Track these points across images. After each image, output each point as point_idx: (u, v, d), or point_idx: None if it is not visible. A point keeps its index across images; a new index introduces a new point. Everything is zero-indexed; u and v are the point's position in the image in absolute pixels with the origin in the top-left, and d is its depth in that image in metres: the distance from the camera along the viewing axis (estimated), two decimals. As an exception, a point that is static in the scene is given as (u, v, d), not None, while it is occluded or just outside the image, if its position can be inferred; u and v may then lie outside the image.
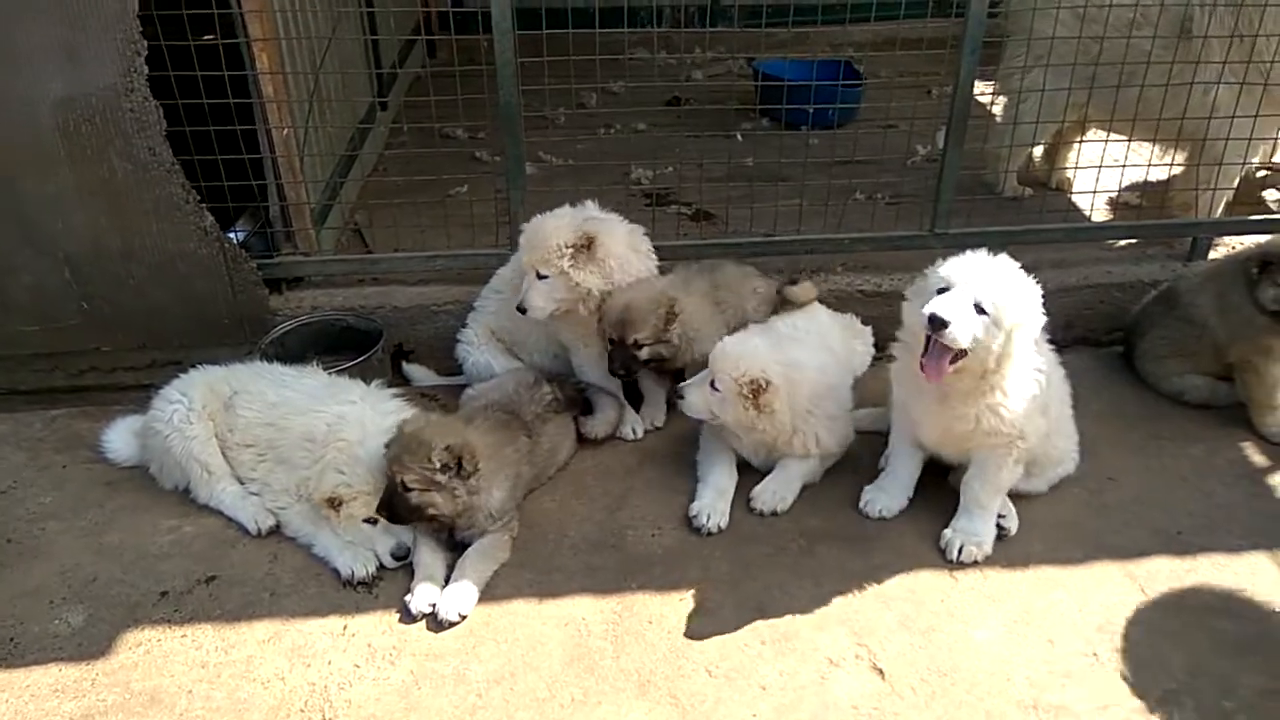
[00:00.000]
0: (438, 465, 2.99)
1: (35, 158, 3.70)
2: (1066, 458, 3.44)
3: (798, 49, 7.44)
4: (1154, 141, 4.59)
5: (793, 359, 3.42)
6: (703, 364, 3.46)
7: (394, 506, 3.04)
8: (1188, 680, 2.76)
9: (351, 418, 3.30)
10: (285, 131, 3.94)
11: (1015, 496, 3.32)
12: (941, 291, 2.91)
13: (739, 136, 5.73)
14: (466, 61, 4.06)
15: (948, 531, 3.22)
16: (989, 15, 3.90)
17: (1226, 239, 4.52)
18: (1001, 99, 5.01)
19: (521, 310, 3.64)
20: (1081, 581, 3.09)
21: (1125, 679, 2.77)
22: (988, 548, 3.17)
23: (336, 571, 3.15)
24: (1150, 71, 4.15)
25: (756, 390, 3.28)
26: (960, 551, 3.16)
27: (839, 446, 3.52)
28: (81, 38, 3.51)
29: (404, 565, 3.18)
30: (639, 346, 3.60)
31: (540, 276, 3.60)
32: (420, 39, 7.00)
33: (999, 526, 3.24)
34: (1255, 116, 4.12)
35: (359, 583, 3.12)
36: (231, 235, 4.02)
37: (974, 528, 3.19)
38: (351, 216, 4.91)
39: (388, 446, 3.09)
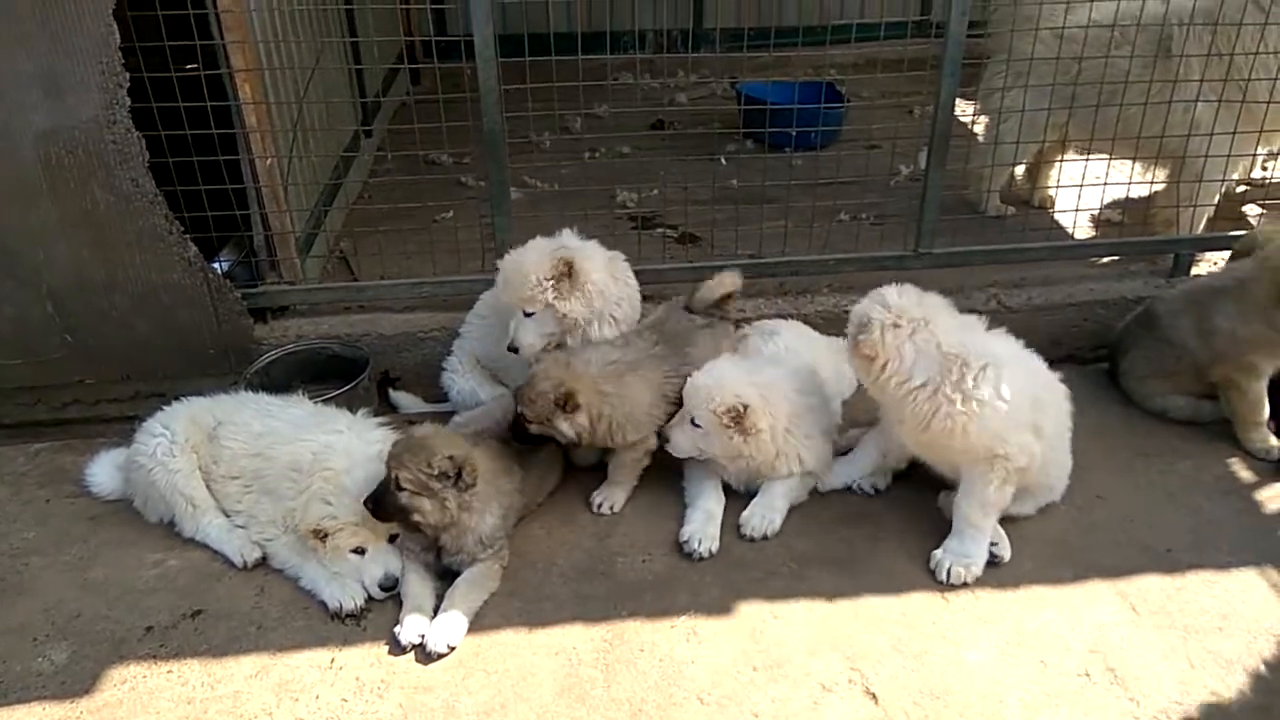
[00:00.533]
0: (436, 471, 2.99)
1: (16, 190, 3.68)
2: (1059, 485, 3.45)
3: (780, 72, 7.50)
4: (1134, 159, 4.64)
5: (766, 378, 3.43)
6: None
7: (382, 501, 3.02)
8: (1180, 699, 2.76)
9: (338, 447, 3.27)
10: (269, 161, 3.93)
11: (1004, 520, 3.31)
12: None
13: (723, 160, 5.75)
14: (451, 88, 4.06)
15: (938, 552, 3.21)
16: (968, 36, 3.93)
17: (1209, 255, 4.56)
18: (983, 118, 5.05)
19: (513, 350, 3.61)
20: (1072, 601, 3.09)
21: (1118, 699, 2.76)
22: (977, 570, 3.17)
23: (324, 604, 3.12)
24: (1130, 90, 4.19)
25: (736, 416, 3.29)
26: (949, 573, 3.15)
27: (820, 465, 3.51)
28: (64, 69, 3.50)
29: (392, 596, 3.14)
30: (527, 421, 3.36)
31: (527, 314, 3.58)
32: (404, 67, 7.04)
33: (991, 554, 3.23)
34: (1233, 133, 4.16)
35: (347, 615, 3.09)
36: (216, 265, 4.00)
37: (965, 549, 3.18)
38: (336, 244, 4.90)
39: (394, 445, 3.09)
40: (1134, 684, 2.80)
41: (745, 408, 3.29)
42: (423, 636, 2.98)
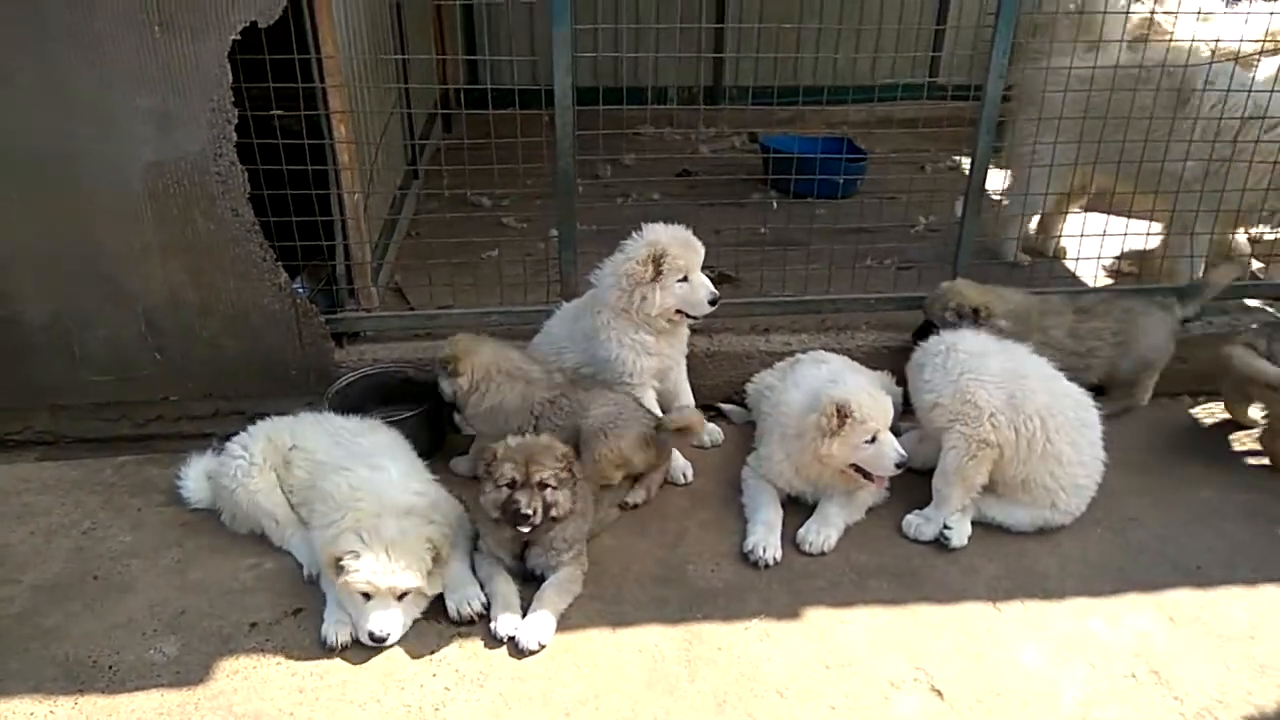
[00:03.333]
0: (565, 464, 3.29)
1: (122, 216, 3.94)
2: (1059, 503, 3.68)
3: (795, 127, 7.90)
4: (1153, 211, 5.00)
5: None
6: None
7: (530, 506, 3.24)
8: (1220, 698, 3.00)
9: (372, 487, 3.40)
10: (355, 196, 4.21)
11: (1000, 530, 3.70)
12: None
13: (773, 204, 6.12)
14: (480, 135, 4.34)
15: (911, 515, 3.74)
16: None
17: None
18: (1008, 171, 5.39)
19: (713, 303, 3.95)
20: (1114, 611, 3.35)
21: (1163, 697, 3.01)
22: (926, 533, 3.67)
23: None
24: (1151, 147, 4.56)
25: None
26: (904, 524, 3.72)
27: None
28: (177, 106, 3.78)
29: (377, 650, 3.16)
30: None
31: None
32: (440, 113, 7.38)
33: (943, 532, 3.63)
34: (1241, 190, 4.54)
35: (329, 647, 3.15)
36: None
37: (925, 514, 3.72)
38: (392, 276, 5.17)
39: (492, 460, 3.31)
40: (1177, 684, 3.05)
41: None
42: (516, 630, 3.19)
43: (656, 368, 4.10)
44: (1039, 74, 4.74)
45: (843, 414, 3.53)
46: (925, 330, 4.20)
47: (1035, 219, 5.55)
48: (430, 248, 4.89)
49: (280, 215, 4.06)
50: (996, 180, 5.58)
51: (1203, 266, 4.91)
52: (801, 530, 3.66)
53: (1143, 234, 5.04)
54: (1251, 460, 4.20)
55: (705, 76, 8.72)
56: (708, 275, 4.93)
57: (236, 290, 4.10)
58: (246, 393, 4.30)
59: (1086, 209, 5.27)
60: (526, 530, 3.29)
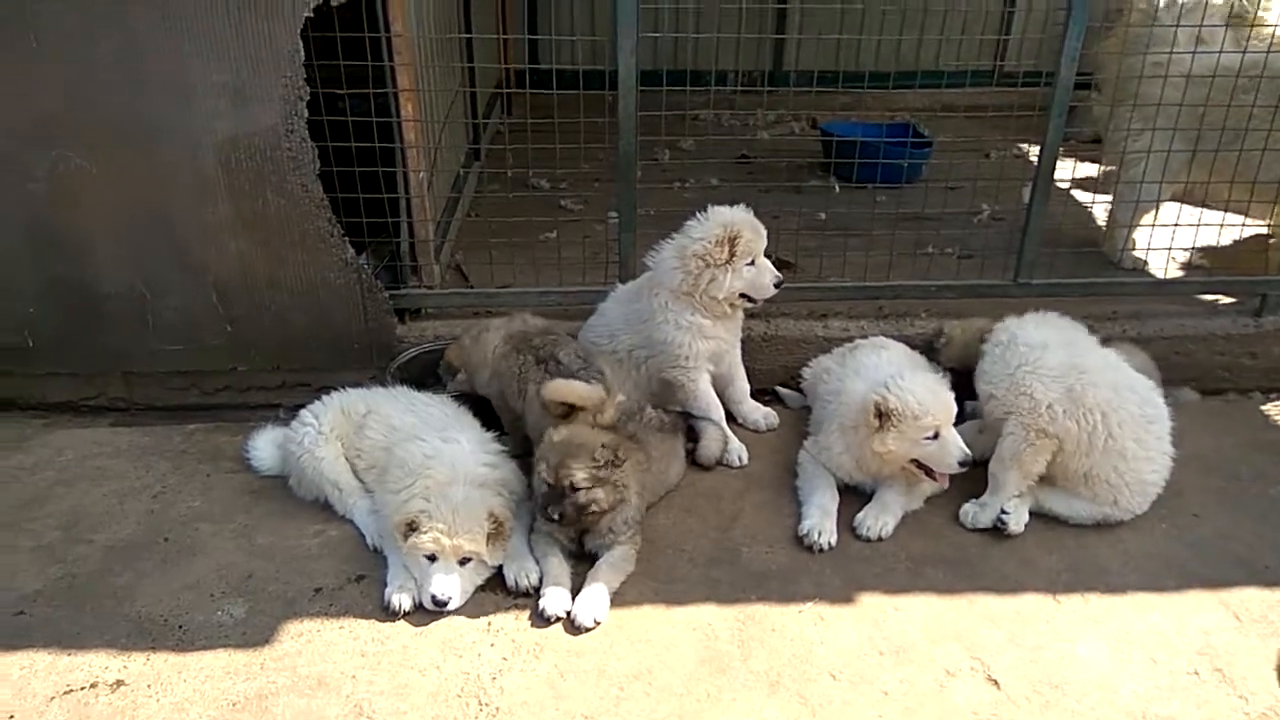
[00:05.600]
0: (601, 462, 3.30)
1: (196, 190, 4.04)
2: (1122, 500, 3.62)
3: (856, 113, 7.83)
4: (1249, 202, 4.84)
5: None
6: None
7: (563, 509, 3.29)
8: (1286, 698, 2.95)
9: (445, 457, 3.46)
10: (420, 174, 4.27)
11: (1059, 522, 3.67)
12: None
13: (834, 188, 6.10)
14: (540, 117, 4.35)
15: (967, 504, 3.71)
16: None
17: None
18: (1115, 167, 5.21)
19: (777, 286, 4.01)
20: (1177, 607, 3.29)
21: (1227, 695, 2.95)
22: (983, 520, 3.64)
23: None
24: (1256, 137, 4.45)
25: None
26: (960, 512, 3.69)
27: None
28: (251, 81, 3.86)
29: (436, 617, 3.24)
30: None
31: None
32: (503, 92, 7.43)
33: (1000, 518, 3.61)
34: None
35: (391, 612, 3.23)
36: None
37: (983, 500, 3.69)
38: (453, 255, 5.23)
39: (545, 457, 3.34)
40: (1241, 683, 2.99)
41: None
42: (568, 611, 3.23)
43: (713, 351, 4.10)
44: (1152, 68, 4.62)
45: (883, 413, 3.52)
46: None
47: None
48: (490, 227, 4.94)
49: (347, 192, 4.13)
50: (1067, 171, 5.48)
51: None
52: (859, 515, 3.65)
53: (1218, 225, 4.91)
54: (1324, 459, 4.08)
55: (766, 61, 8.67)
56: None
57: (304, 264, 4.19)
58: (312, 365, 4.40)
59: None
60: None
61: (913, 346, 4.34)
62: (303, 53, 3.85)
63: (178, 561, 3.50)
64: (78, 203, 4.04)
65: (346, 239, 4.17)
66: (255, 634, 3.18)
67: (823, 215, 5.60)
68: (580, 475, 3.28)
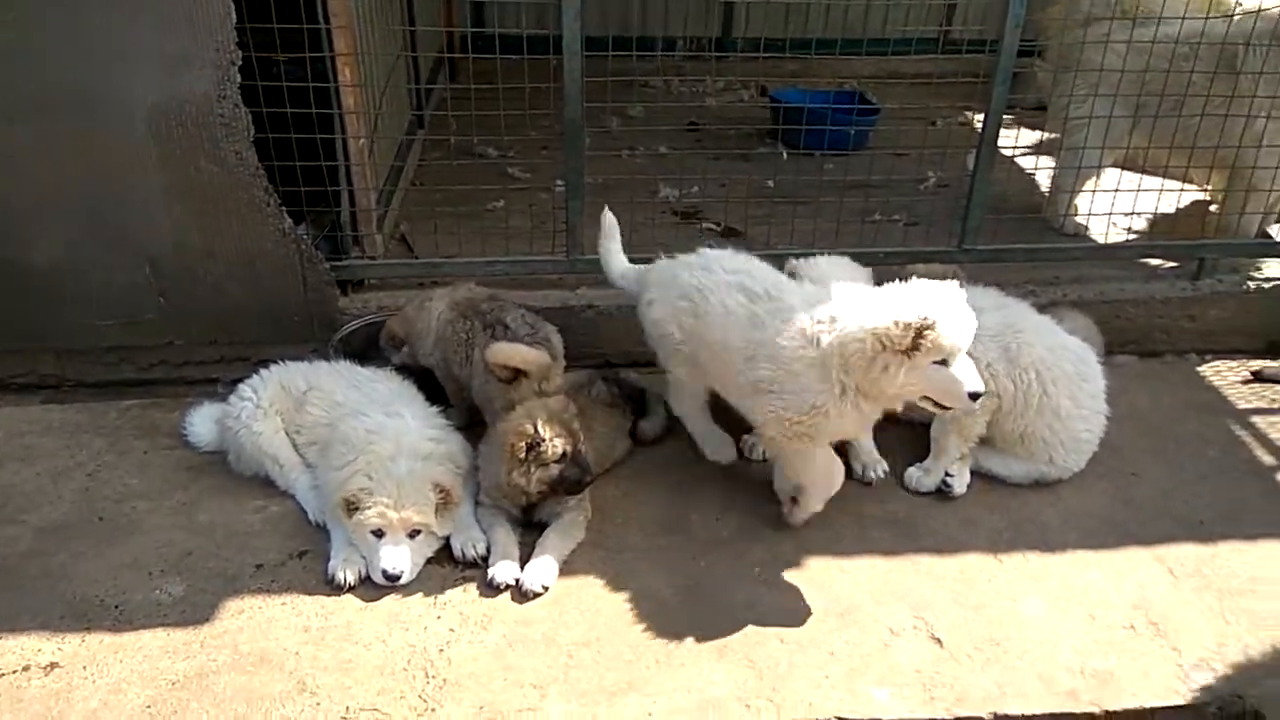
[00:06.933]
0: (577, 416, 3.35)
1: (126, 159, 3.89)
2: (1057, 458, 3.68)
3: (804, 80, 7.80)
4: (1187, 168, 4.94)
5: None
6: None
7: (584, 468, 3.32)
8: (1218, 650, 3.03)
9: (389, 432, 3.39)
10: (360, 141, 4.17)
11: (1000, 482, 3.73)
12: None
13: (782, 155, 6.07)
14: (486, 82, 4.25)
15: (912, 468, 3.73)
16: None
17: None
18: (1057, 135, 5.26)
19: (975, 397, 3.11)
20: (1115, 564, 3.36)
21: (1161, 648, 3.03)
22: (928, 484, 3.68)
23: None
24: (1196, 103, 4.51)
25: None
26: (903, 477, 3.73)
27: None
28: (182, 46, 3.72)
29: (382, 591, 3.19)
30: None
31: None
32: (448, 56, 7.27)
33: (944, 481, 3.66)
34: None
35: (337, 586, 3.19)
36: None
37: (925, 465, 3.72)
38: (397, 225, 5.14)
39: (539, 441, 3.27)
40: (1175, 636, 3.08)
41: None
42: (516, 579, 3.21)
43: (847, 433, 3.49)
44: (1091, 36, 4.65)
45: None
46: None
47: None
48: (435, 196, 4.85)
49: (284, 160, 4.02)
50: (1013, 138, 5.53)
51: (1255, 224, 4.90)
52: (910, 470, 3.74)
53: (1158, 191, 4.98)
54: (1258, 419, 4.18)
55: (715, 27, 8.59)
56: (714, 230, 4.89)
57: (240, 235, 4.07)
58: (250, 338, 4.30)
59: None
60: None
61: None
62: (234, 15, 3.72)
63: (113, 541, 3.41)
64: (2, 173, 3.88)
65: (284, 209, 4.06)
66: (195, 612, 3.11)
67: (771, 183, 5.59)
68: (582, 443, 3.31)
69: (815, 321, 3.14)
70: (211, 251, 4.10)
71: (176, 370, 4.39)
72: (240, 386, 3.78)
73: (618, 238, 3.97)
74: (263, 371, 3.81)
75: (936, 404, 3.12)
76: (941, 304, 3.00)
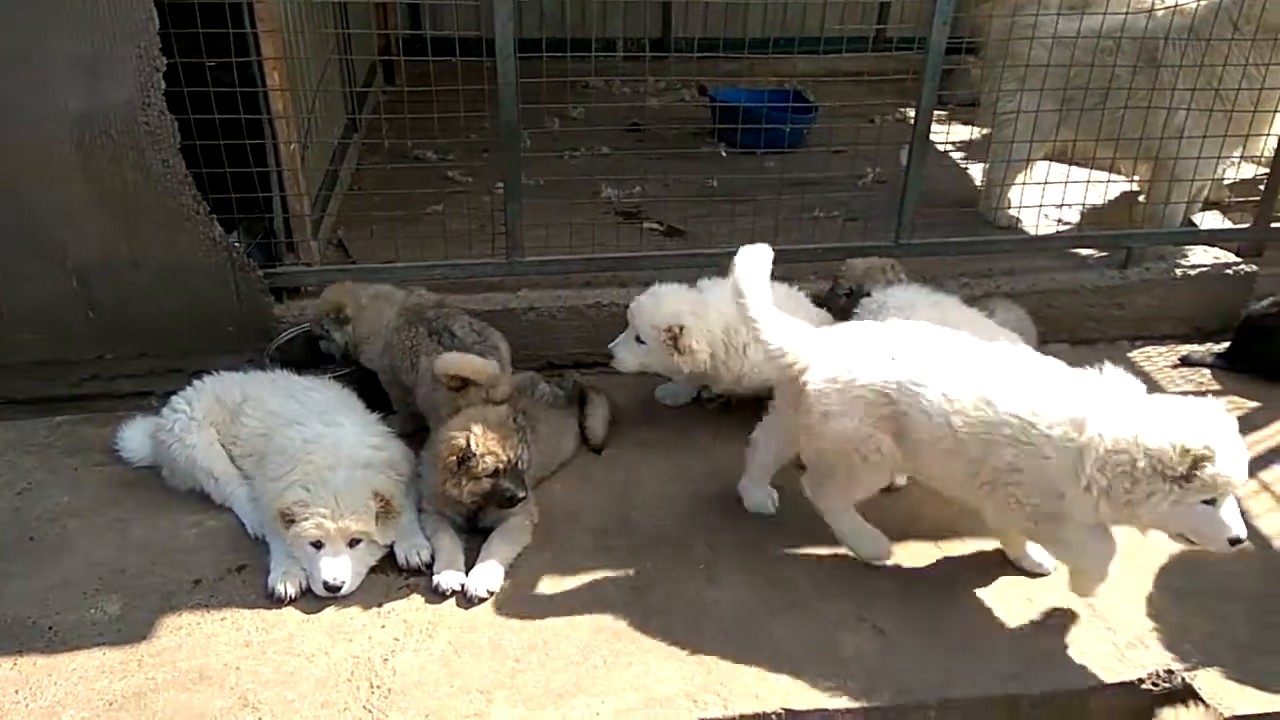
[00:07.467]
0: (518, 427, 3.34)
1: (49, 170, 3.80)
2: None
3: (746, 78, 7.86)
4: (1114, 159, 5.07)
5: (700, 300, 3.79)
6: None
7: (518, 483, 3.29)
8: (1149, 627, 3.11)
9: (327, 442, 3.34)
10: (291, 146, 4.11)
11: None
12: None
13: (722, 153, 6.09)
14: (423, 85, 4.22)
15: None
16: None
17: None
18: (989, 129, 5.37)
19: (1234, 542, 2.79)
20: (1052, 549, 3.43)
21: (1097, 628, 3.11)
22: None
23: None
24: (1120, 96, 4.62)
25: (674, 336, 3.63)
26: None
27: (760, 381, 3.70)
28: (104, 53, 3.64)
29: (324, 603, 3.15)
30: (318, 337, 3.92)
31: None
32: (386, 59, 7.18)
33: None
34: (1220, 137, 4.61)
35: (275, 598, 3.14)
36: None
37: None
38: (334, 231, 5.07)
39: (469, 455, 3.23)
40: (1110, 615, 3.15)
41: (681, 329, 3.64)
42: (462, 585, 3.19)
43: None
44: (1020, 29, 4.75)
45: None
46: None
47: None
48: (373, 200, 4.80)
49: (214, 167, 3.95)
50: (949, 134, 5.63)
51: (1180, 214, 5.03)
52: None
53: (1085, 183, 5.10)
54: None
55: (653, 28, 8.61)
56: (657, 230, 4.90)
57: (170, 244, 3.99)
58: (184, 350, 4.20)
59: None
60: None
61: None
62: (157, 20, 3.65)
63: (45, 560, 3.32)
64: (-80, 186, 3.77)
65: (215, 216, 3.99)
66: (131, 630, 3.05)
67: (713, 182, 5.63)
68: (520, 446, 3.28)
69: (1077, 407, 2.78)
70: (140, 262, 4.01)
71: (109, 384, 4.29)
72: (173, 399, 3.70)
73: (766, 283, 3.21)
74: (196, 383, 3.74)
75: (1185, 538, 2.82)
76: (1222, 432, 2.68)
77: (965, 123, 6.35)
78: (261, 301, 4.18)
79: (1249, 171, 5.64)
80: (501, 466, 3.25)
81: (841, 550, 3.39)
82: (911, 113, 4.59)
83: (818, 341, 3.15)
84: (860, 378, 3.01)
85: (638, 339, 3.75)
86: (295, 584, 3.16)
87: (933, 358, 2.99)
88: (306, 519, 3.12)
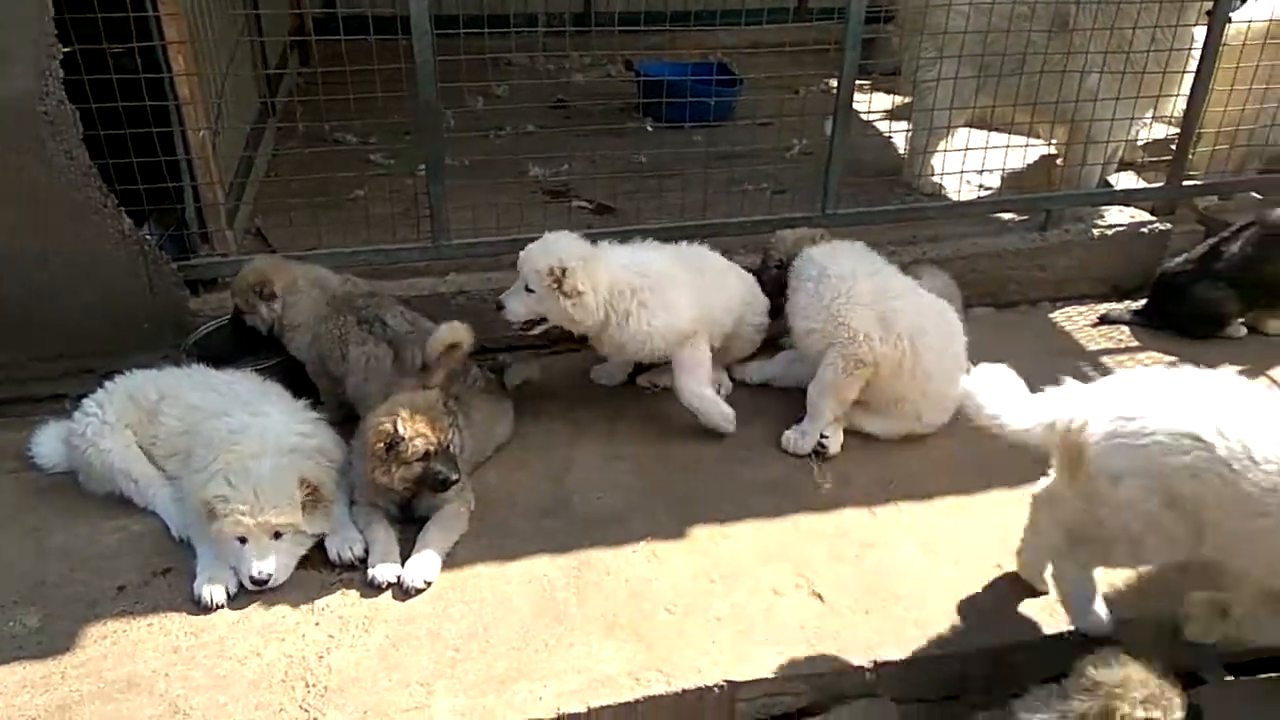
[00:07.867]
0: (449, 411, 3.27)
1: (-58, 164, 3.62)
2: (924, 416, 3.82)
3: (669, 53, 7.81)
4: (1031, 123, 5.14)
5: (593, 252, 3.73)
6: None
7: (450, 466, 3.23)
8: (1077, 580, 3.19)
9: (254, 430, 3.27)
10: (200, 133, 3.97)
11: (872, 438, 3.85)
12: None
13: (648, 128, 6.06)
14: (338, 66, 4.14)
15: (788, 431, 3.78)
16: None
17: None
18: (910, 97, 5.41)
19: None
20: (981, 508, 3.52)
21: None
22: (804, 446, 3.74)
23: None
24: (1036, 61, 4.69)
25: (558, 279, 3.57)
26: (783, 439, 3.78)
27: (667, 336, 3.74)
28: (-6, 42, 3.47)
29: (254, 603, 3.08)
30: (240, 311, 3.82)
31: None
32: (301, 39, 6.97)
33: (820, 442, 3.75)
34: (1131, 98, 4.72)
35: (200, 604, 3.05)
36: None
37: (803, 427, 3.77)
38: (251, 220, 4.92)
39: (398, 440, 3.16)
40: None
41: (564, 270, 3.58)
42: (398, 576, 3.14)
43: None
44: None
45: None
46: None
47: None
48: (292, 186, 4.67)
49: (120, 157, 3.80)
50: (872, 103, 5.67)
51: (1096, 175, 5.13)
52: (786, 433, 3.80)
53: (1005, 147, 5.18)
54: (1106, 359, 4.42)
55: (575, 2, 8.50)
56: (585, 208, 4.86)
57: (77, 239, 3.83)
58: (98, 349, 4.04)
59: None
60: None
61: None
62: (51, 7, 3.48)
63: (-43, 575, 3.19)
64: None
65: (124, 209, 3.84)
66: (53, 642, 2.94)
67: (642, 158, 5.58)
68: (451, 428, 3.23)
69: None
70: (48, 258, 3.85)
71: (20, 388, 4.10)
72: (84, 402, 3.56)
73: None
74: (108, 384, 3.60)
75: None
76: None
77: (887, 91, 6.40)
78: (176, 295, 4.05)
79: (1161, 132, 5.80)
80: (432, 449, 3.19)
81: (780, 519, 3.43)
82: (833, 82, 4.60)
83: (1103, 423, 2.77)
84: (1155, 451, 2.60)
85: (527, 288, 3.67)
86: (222, 589, 3.07)
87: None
88: (226, 515, 3.04)
